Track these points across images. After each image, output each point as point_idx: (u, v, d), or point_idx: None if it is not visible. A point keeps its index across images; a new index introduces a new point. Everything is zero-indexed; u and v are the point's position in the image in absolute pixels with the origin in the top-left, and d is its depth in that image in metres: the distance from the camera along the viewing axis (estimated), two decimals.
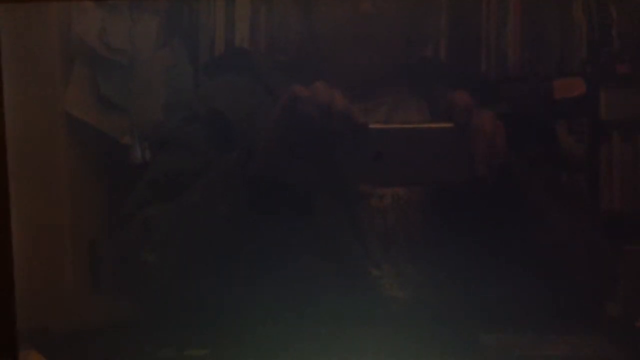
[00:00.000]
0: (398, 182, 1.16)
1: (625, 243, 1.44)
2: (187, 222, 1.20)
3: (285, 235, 1.19)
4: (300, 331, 1.20)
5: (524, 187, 1.17)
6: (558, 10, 1.49)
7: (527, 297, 1.19)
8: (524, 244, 1.17)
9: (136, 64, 1.40)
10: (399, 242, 1.23)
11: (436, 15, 1.41)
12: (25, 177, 1.30)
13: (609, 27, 1.50)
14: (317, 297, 1.21)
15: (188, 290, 1.22)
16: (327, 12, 1.25)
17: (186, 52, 1.39)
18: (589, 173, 1.52)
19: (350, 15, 1.23)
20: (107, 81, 1.40)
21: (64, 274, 1.33)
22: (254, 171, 1.15)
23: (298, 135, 1.12)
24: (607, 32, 1.50)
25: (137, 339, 1.27)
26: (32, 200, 1.30)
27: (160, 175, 1.27)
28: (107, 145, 1.39)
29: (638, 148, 1.51)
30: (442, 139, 1.08)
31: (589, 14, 1.49)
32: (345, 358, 1.19)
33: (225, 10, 1.39)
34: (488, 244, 1.16)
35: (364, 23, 1.22)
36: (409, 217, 1.23)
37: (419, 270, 1.22)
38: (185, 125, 1.28)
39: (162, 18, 1.42)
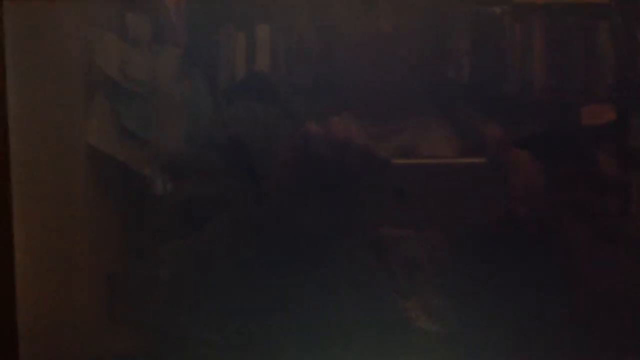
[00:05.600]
0: (424, 224, 1.12)
1: None
2: (204, 263, 1.19)
3: (310, 267, 1.17)
4: None
5: (558, 223, 1.14)
6: (584, 35, 1.47)
7: (563, 328, 1.16)
8: (558, 276, 1.15)
9: (157, 95, 1.40)
10: (426, 273, 1.21)
11: (458, 36, 1.40)
12: (44, 208, 1.29)
13: (636, 52, 1.48)
14: (344, 329, 1.19)
15: (208, 327, 1.20)
16: (347, 33, 1.24)
17: (207, 82, 1.39)
18: (622, 202, 1.48)
19: (370, 36, 1.22)
20: (129, 113, 1.40)
21: (81, 307, 1.31)
22: (270, 212, 1.14)
23: (313, 175, 1.10)
24: (634, 57, 1.48)
25: None
26: (49, 231, 1.29)
27: (179, 206, 1.26)
28: (127, 176, 1.38)
29: None
30: (473, 176, 1.04)
31: (615, 39, 1.47)
32: None
33: (246, 40, 1.39)
34: (519, 275, 1.13)
35: (384, 44, 1.21)
36: (437, 247, 1.21)
37: (449, 302, 1.20)
38: (206, 154, 1.28)
39: (182, 49, 1.42)
